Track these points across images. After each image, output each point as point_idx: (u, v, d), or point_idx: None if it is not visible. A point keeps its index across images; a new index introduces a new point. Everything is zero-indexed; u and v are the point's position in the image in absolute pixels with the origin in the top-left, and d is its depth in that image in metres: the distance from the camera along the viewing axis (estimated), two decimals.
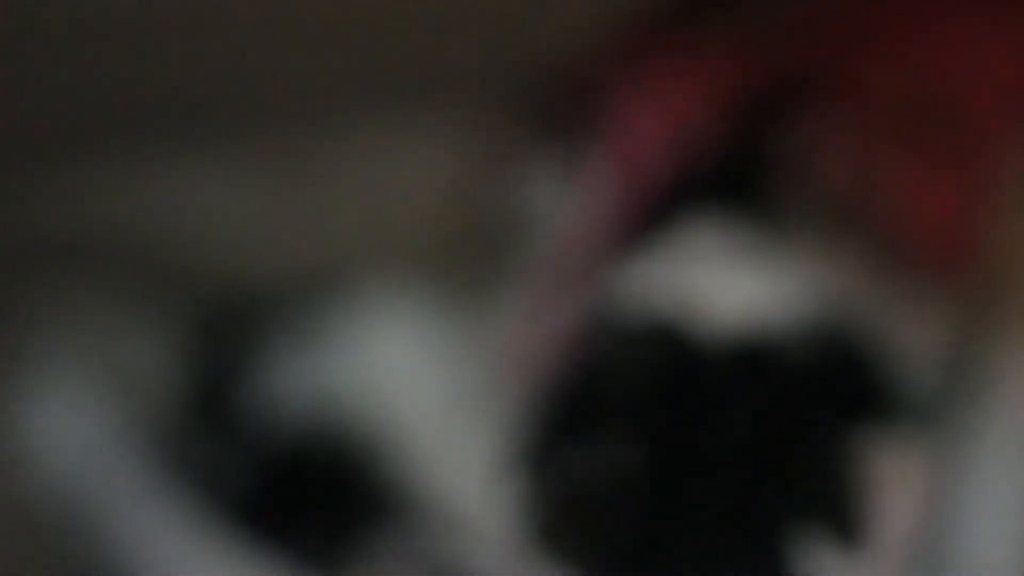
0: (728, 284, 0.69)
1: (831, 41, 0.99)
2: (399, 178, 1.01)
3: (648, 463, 0.62)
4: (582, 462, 0.64)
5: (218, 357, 1.05)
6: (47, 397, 0.95)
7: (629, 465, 0.62)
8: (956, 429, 0.84)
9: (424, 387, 1.02)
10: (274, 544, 1.01)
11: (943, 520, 0.82)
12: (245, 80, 0.91)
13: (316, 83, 0.93)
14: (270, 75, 0.90)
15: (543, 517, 0.67)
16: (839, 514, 0.63)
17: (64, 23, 0.81)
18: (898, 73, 0.97)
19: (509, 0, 0.90)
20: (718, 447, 0.62)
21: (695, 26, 1.01)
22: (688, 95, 0.99)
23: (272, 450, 1.02)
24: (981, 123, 0.96)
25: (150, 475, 0.93)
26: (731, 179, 0.96)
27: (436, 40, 0.92)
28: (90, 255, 1.00)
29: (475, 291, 1.06)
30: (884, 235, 0.96)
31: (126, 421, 0.98)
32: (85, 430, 0.93)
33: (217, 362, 1.04)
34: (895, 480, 0.66)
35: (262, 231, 1.00)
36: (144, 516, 0.91)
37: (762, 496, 0.62)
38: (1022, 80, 0.95)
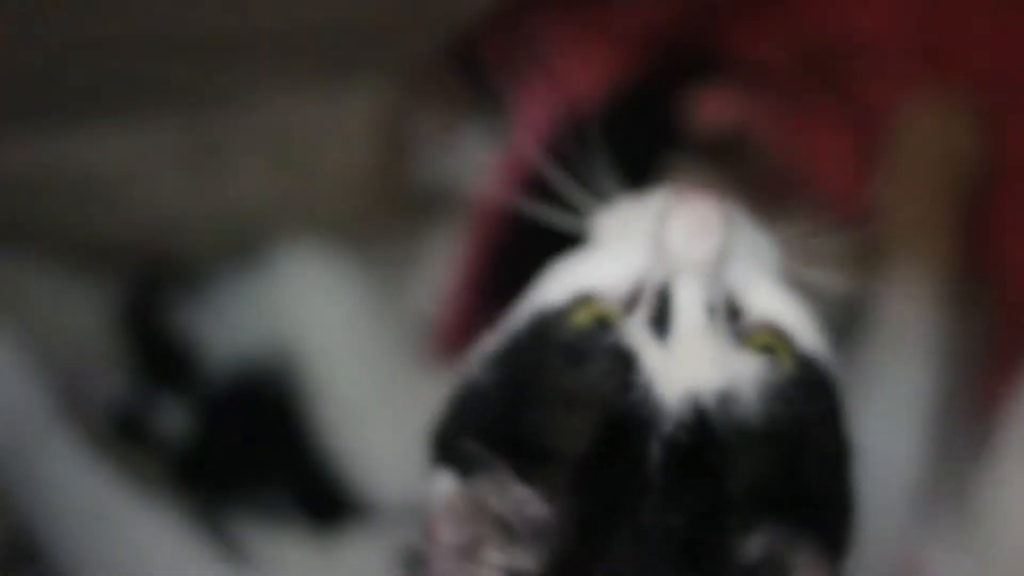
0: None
1: (724, 9, 1.03)
2: (319, 142, 1.01)
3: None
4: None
5: (147, 312, 1.06)
6: None
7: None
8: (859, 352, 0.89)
9: (344, 340, 1.04)
10: (201, 488, 1.02)
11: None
12: (169, 55, 0.91)
13: (237, 55, 0.92)
14: (193, 48, 0.90)
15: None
16: None
17: None
18: (789, 36, 1.02)
19: None
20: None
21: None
22: (589, 64, 1.03)
23: (201, 398, 1.04)
24: (870, 79, 1.00)
25: (78, 426, 0.93)
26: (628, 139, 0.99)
27: (351, 9, 0.92)
28: (20, 220, 0.99)
29: (396, 250, 1.09)
30: (784, 185, 1.01)
31: (57, 374, 0.97)
32: (17, 384, 0.93)
33: (146, 317, 1.06)
34: None
35: (188, 195, 1.00)
36: (72, 467, 0.91)
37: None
38: (906, 38, 0.98)
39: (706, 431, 0.59)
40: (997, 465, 0.84)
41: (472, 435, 0.62)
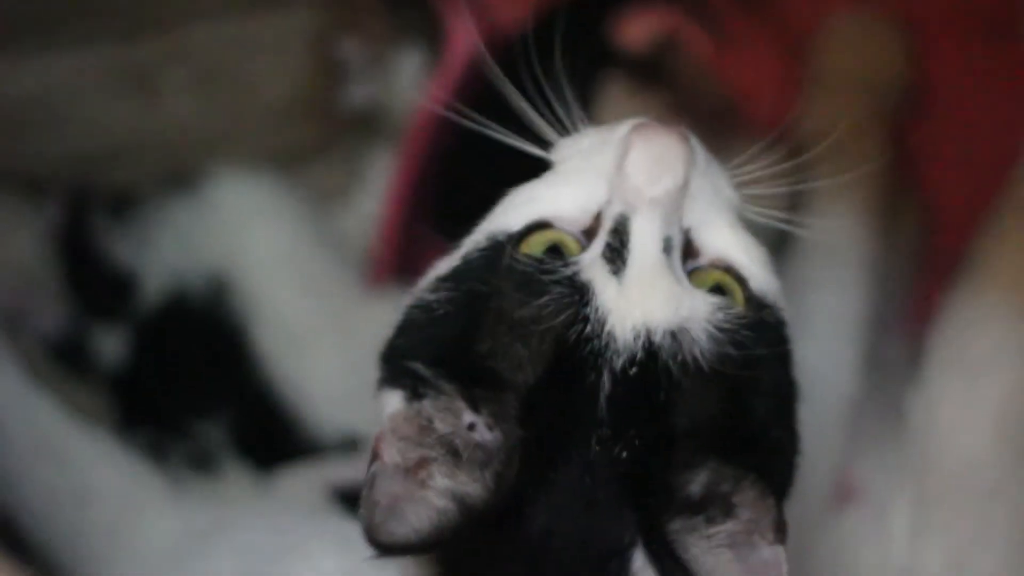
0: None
1: None
2: (250, 65, 1.00)
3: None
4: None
5: (79, 237, 1.05)
6: None
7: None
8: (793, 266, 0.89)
9: (281, 265, 1.04)
10: (140, 416, 1.04)
11: None
12: None
13: None
14: None
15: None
16: None
17: None
18: None
19: None
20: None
21: None
22: None
23: (137, 324, 1.04)
24: (791, 9, 1.01)
25: (19, 355, 0.92)
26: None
27: None
28: None
29: (331, 174, 1.09)
30: (715, 105, 1.01)
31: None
32: None
33: (78, 241, 1.05)
34: None
35: (122, 120, 0.99)
36: (15, 395, 0.91)
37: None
38: None
39: (656, 367, 0.58)
40: (926, 382, 0.85)
41: (421, 357, 0.61)
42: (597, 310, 0.59)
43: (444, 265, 0.64)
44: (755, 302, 0.62)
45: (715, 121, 0.99)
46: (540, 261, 0.60)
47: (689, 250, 0.63)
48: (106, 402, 1.05)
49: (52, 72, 0.96)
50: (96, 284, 1.05)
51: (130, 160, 1.02)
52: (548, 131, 0.66)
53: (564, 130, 0.66)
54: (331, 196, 1.10)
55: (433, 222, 1.02)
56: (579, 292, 0.59)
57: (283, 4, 0.99)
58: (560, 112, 0.67)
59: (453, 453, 0.59)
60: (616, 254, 0.60)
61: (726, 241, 0.63)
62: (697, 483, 0.58)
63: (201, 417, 1.03)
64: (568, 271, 0.60)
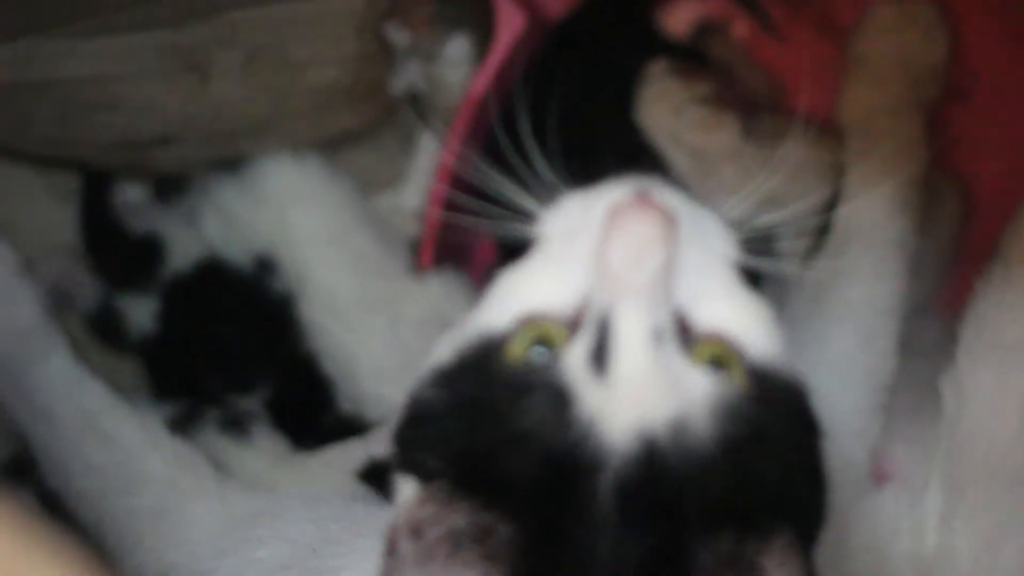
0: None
1: None
2: (298, 50, 0.99)
3: None
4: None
5: (106, 213, 1.07)
6: None
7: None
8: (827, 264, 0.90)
9: (326, 246, 1.05)
10: (181, 390, 1.06)
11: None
12: None
13: None
14: None
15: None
16: None
17: None
18: None
19: None
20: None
21: None
22: None
23: (173, 299, 1.06)
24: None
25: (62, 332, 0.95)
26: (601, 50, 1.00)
27: None
28: (15, 123, 0.99)
29: (379, 158, 1.10)
30: (754, 94, 1.02)
31: (44, 281, 1.00)
32: (10, 293, 0.94)
33: (106, 218, 1.07)
34: None
35: (171, 102, 0.99)
36: (61, 374, 0.91)
37: None
38: None
39: (658, 464, 0.56)
40: (959, 366, 0.85)
41: (429, 451, 0.60)
42: (582, 414, 0.57)
43: (443, 353, 0.62)
44: (755, 373, 0.59)
45: (759, 109, 1.00)
46: (525, 364, 0.58)
47: (684, 328, 0.59)
48: (145, 373, 1.08)
49: (105, 56, 0.96)
50: (120, 255, 1.07)
51: (180, 143, 1.02)
52: (531, 203, 0.64)
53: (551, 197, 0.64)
54: (377, 179, 1.10)
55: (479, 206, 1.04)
56: (561, 398, 0.57)
57: None
58: (548, 178, 0.65)
59: (464, 545, 0.57)
60: (600, 351, 0.58)
61: (720, 313, 0.60)
62: (718, 553, 0.56)
63: (239, 387, 1.05)
64: (549, 377, 0.58)
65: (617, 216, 0.59)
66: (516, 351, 0.59)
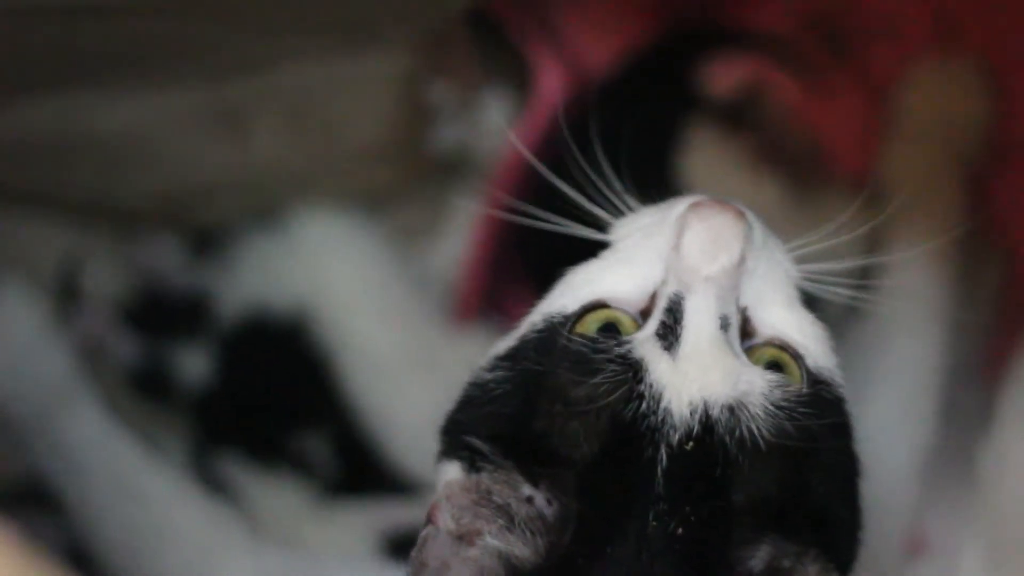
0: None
1: None
2: (338, 107, 1.01)
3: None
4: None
5: (172, 269, 1.07)
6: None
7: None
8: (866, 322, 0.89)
9: (365, 300, 1.04)
10: (219, 438, 1.05)
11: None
12: (189, 18, 0.91)
13: (257, 19, 0.92)
14: (213, 12, 0.89)
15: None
16: None
17: None
18: (799, 5, 1.03)
19: None
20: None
21: None
22: (602, 33, 1.04)
23: (219, 351, 1.06)
24: (878, 48, 1.01)
25: (97, 385, 0.95)
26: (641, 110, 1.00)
27: None
28: (43, 182, 1.00)
29: (418, 214, 1.10)
30: (799, 152, 1.02)
31: (77, 334, 1.01)
32: (40, 345, 0.95)
33: (172, 273, 1.07)
34: None
35: (210, 158, 1.00)
36: (91, 427, 0.91)
37: None
38: (913, 6, 1.00)
39: (713, 443, 0.58)
40: (998, 433, 0.84)
41: (479, 433, 0.61)
42: (651, 386, 0.59)
43: (503, 344, 0.64)
44: (812, 379, 0.62)
45: (800, 168, 1.00)
46: (594, 340, 0.60)
47: (746, 329, 0.62)
48: (186, 422, 1.07)
49: (147, 110, 0.97)
50: (172, 312, 1.07)
51: (220, 197, 1.03)
52: (602, 213, 0.66)
53: (619, 210, 0.67)
54: (417, 236, 1.11)
55: (518, 263, 1.05)
56: (633, 369, 0.59)
57: (374, 46, 0.99)
58: (618, 189, 0.67)
59: (508, 520, 0.59)
60: (670, 331, 0.61)
61: (783, 319, 0.63)
62: (758, 559, 0.58)
63: (285, 437, 1.05)
64: (622, 349, 0.60)
65: (698, 210, 0.62)
66: (586, 329, 0.61)
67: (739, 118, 1.01)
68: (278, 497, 1.01)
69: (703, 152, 0.98)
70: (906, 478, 0.87)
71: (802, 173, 0.99)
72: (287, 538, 0.98)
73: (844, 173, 0.97)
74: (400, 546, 0.91)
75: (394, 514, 0.96)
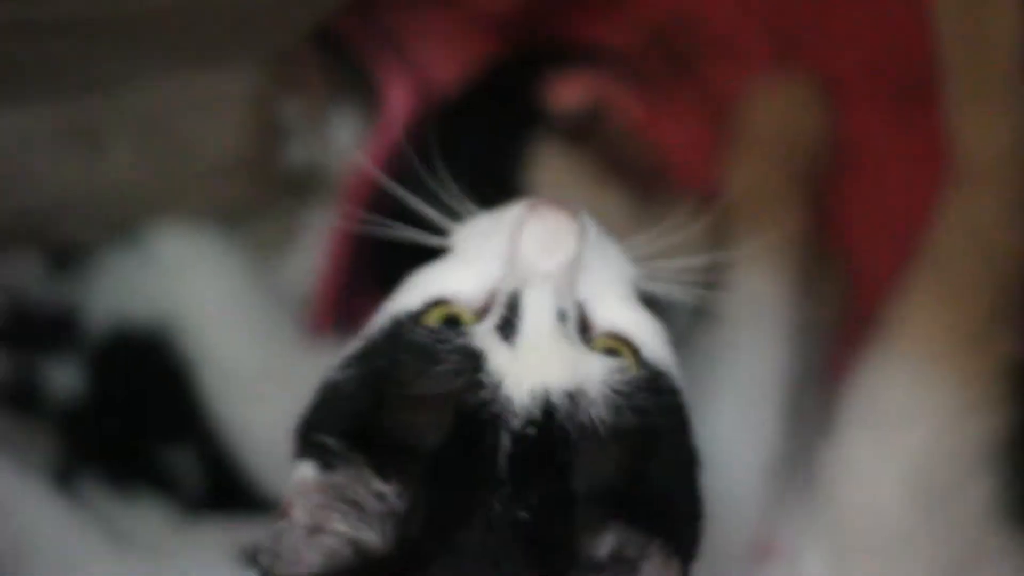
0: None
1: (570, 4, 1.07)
2: (192, 125, 1.01)
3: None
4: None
5: (35, 284, 1.07)
6: None
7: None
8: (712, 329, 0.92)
9: (223, 315, 1.05)
10: (90, 450, 1.04)
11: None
12: (46, 38, 0.91)
13: (111, 39, 0.91)
14: (69, 32, 0.90)
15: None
16: None
17: None
18: (640, 22, 1.05)
19: None
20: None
21: None
22: (447, 50, 1.06)
23: (88, 361, 1.05)
24: (719, 63, 1.04)
25: None
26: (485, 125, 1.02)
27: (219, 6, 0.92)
28: None
29: (272, 229, 1.11)
30: (643, 166, 1.03)
31: None
32: None
33: (25, 299, 1.06)
34: None
35: (68, 175, 1.00)
36: None
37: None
38: (753, 23, 1.03)
39: (554, 428, 0.61)
40: (839, 435, 0.87)
41: (331, 432, 0.63)
42: (491, 374, 0.61)
43: (352, 345, 0.66)
44: (649, 368, 0.64)
45: (645, 181, 1.02)
46: (435, 331, 0.63)
47: (584, 324, 0.65)
48: (57, 435, 1.06)
49: (5, 128, 0.97)
50: (35, 324, 1.07)
51: (76, 214, 1.03)
52: (444, 220, 0.69)
53: (461, 217, 0.69)
54: (271, 251, 1.11)
55: (371, 276, 1.05)
56: (472, 359, 0.62)
57: (225, 65, 1.00)
58: (458, 196, 0.70)
59: (360, 512, 0.61)
60: (508, 323, 0.63)
61: (619, 314, 0.66)
62: (603, 546, 0.60)
63: (149, 453, 1.05)
64: (462, 340, 0.63)
65: (534, 209, 0.65)
66: (428, 323, 0.64)
67: (583, 133, 1.03)
68: (140, 513, 1.01)
69: (548, 166, 0.99)
70: (752, 482, 0.89)
71: (647, 186, 1.01)
72: (150, 554, 0.97)
73: (689, 186, 0.99)
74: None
75: (256, 530, 0.96)
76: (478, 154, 1.02)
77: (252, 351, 1.05)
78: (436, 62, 1.05)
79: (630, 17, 1.05)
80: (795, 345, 0.93)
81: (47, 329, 1.06)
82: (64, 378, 1.06)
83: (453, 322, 0.64)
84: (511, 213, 0.66)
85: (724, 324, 0.93)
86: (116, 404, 1.06)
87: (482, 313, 0.65)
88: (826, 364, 0.99)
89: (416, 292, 0.66)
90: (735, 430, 0.90)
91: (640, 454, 0.62)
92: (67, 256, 1.07)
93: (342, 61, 1.08)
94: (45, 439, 1.05)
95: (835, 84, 1.00)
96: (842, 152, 1.01)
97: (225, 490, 1.04)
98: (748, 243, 0.95)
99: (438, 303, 0.65)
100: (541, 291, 0.64)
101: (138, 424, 1.05)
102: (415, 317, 0.64)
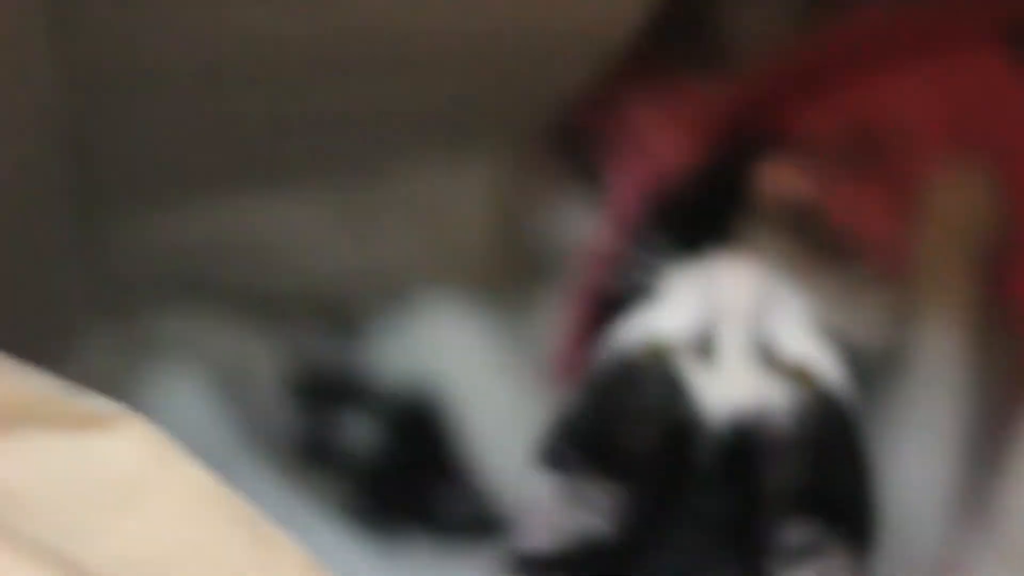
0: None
1: (784, 91, 1.17)
2: (446, 208, 1.14)
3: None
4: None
5: (316, 355, 1.18)
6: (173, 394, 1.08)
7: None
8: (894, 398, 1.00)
9: (480, 374, 1.18)
10: (374, 505, 1.15)
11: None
12: (318, 132, 1.03)
13: (373, 132, 1.06)
14: (338, 126, 1.03)
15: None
16: None
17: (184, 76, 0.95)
18: (840, 118, 1.15)
19: (523, 57, 1.04)
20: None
21: (674, 77, 1.17)
22: (669, 139, 1.17)
23: (379, 414, 1.17)
24: (906, 153, 1.13)
25: (263, 456, 1.08)
26: (705, 209, 1.12)
27: (468, 91, 1.05)
28: (206, 279, 1.12)
29: (518, 299, 1.22)
30: (834, 245, 1.10)
31: (240, 412, 1.12)
32: (206, 421, 1.07)
33: (316, 361, 1.18)
34: None
35: (343, 253, 1.13)
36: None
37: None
38: (934, 121, 1.13)
39: (745, 439, 0.76)
40: (1014, 477, 0.95)
41: (570, 446, 0.81)
42: (693, 395, 0.78)
43: (583, 378, 0.85)
44: (825, 390, 0.80)
45: (839, 263, 1.07)
46: (647, 361, 0.80)
47: (770, 355, 0.80)
48: (352, 486, 1.16)
49: (290, 212, 1.11)
50: (331, 387, 1.18)
51: (353, 285, 1.16)
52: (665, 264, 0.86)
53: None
54: (518, 316, 1.22)
55: (595, 334, 1.05)
56: (679, 383, 0.78)
57: (470, 152, 1.12)
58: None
59: (591, 507, 0.77)
60: (707, 352, 0.79)
61: (803, 348, 0.81)
62: (793, 534, 0.75)
63: (429, 501, 1.15)
64: (670, 368, 0.79)
65: (728, 262, 0.82)
66: (640, 355, 0.81)
67: (792, 217, 1.10)
68: (412, 541, 1.11)
69: (753, 247, 1.04)
70: (934, 513, 0.96)
71: (842, 266, 1.07)
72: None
73: (878, 265, 1.09)
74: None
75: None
76: (689, 238, 1.06)
77: (504, 405, 1.16)
78: (663, 153, 1.16)
79: (833, 114, 1.16)
80: (972, 402, 1.02)
81: (338, 388, 1.17)
82: (358, 432, 1.17)
83: (661, 354, 0.80)
84: (711, 260, 0.83)
85: (908, 384, 1.02)
86: (402, 453, 1.16)
87: (686, 345, 0.80)
88: (1001, 415, 1.05)
89: (632, 331, 0.83)
90: (918, 472, 0.99)
91: (819, 462, 0.77)
92: (349, 322, 1.18)
93: (576, 150, 1.19)
94: (340, 486, 1.15)
95: (1004, 173, 1.09)
96: (1015, 237, 1.09)
97: (482, 521, 1.12)
98: (929, 310, 1.04)
99: (649, 339, 0.81)
100: (735, 325, 0.79)
101: (418, 469, 1.16)
102: (631, 351, 0.81)
